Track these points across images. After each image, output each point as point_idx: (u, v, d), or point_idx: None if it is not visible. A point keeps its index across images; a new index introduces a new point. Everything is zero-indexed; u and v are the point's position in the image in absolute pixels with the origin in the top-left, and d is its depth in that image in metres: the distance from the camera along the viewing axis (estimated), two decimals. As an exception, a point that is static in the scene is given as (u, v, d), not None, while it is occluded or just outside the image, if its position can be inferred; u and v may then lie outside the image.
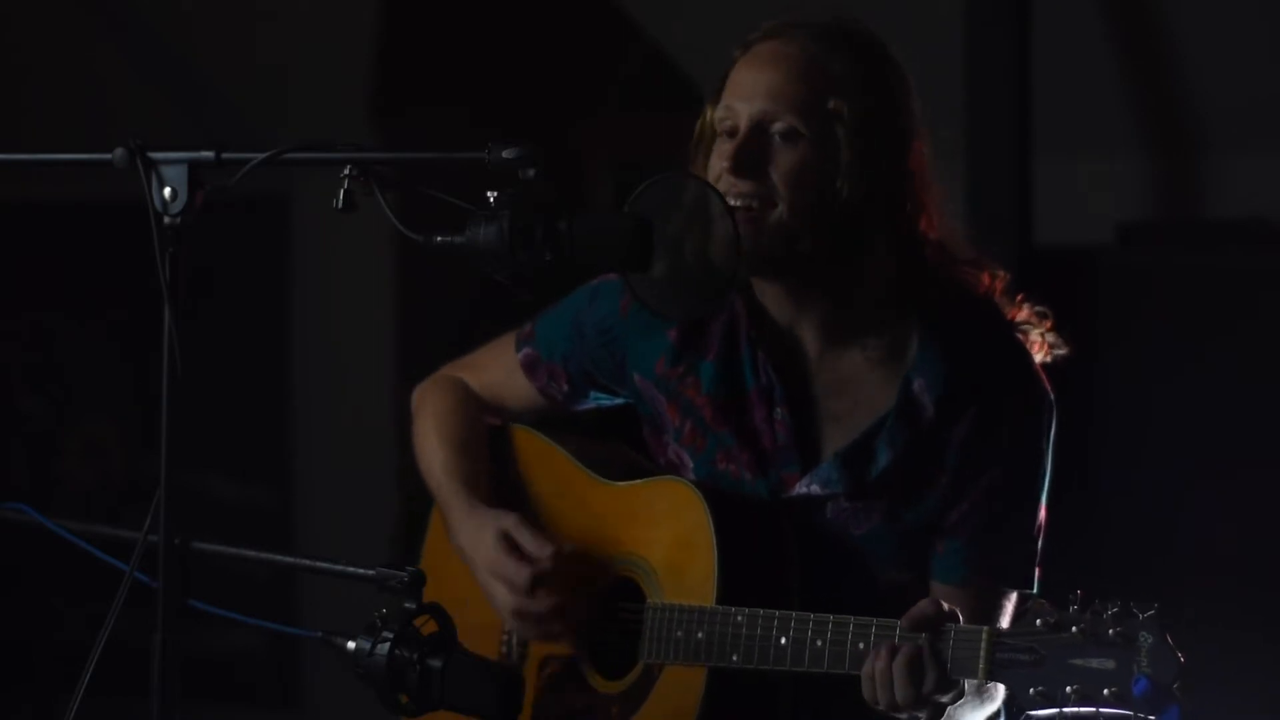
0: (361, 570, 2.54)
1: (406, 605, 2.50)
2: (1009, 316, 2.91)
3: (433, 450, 3.14)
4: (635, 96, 5.91)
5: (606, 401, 3.11)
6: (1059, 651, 2.48)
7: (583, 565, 2.98)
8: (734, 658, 2.78)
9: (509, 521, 2.99)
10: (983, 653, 2.54)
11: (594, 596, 2.98)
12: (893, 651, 2.61)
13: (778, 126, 2.81)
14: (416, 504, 3.19)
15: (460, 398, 3.17)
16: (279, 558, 2.62)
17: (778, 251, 2.80)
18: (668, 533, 2.90)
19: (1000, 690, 2.72)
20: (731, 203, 2.75)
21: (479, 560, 2.99)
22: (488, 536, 2.99)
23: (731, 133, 2.84)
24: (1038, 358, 2.90)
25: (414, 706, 2.50)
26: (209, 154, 2.45)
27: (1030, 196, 4.93)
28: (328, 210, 2.48)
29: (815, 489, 2.86)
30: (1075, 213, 5.11)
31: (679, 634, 2.84)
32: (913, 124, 2.87)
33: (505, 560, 2.96)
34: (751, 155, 2.80)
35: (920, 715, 2.62)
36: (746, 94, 2.83)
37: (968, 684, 2.63)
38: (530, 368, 3.11)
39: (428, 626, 2.50)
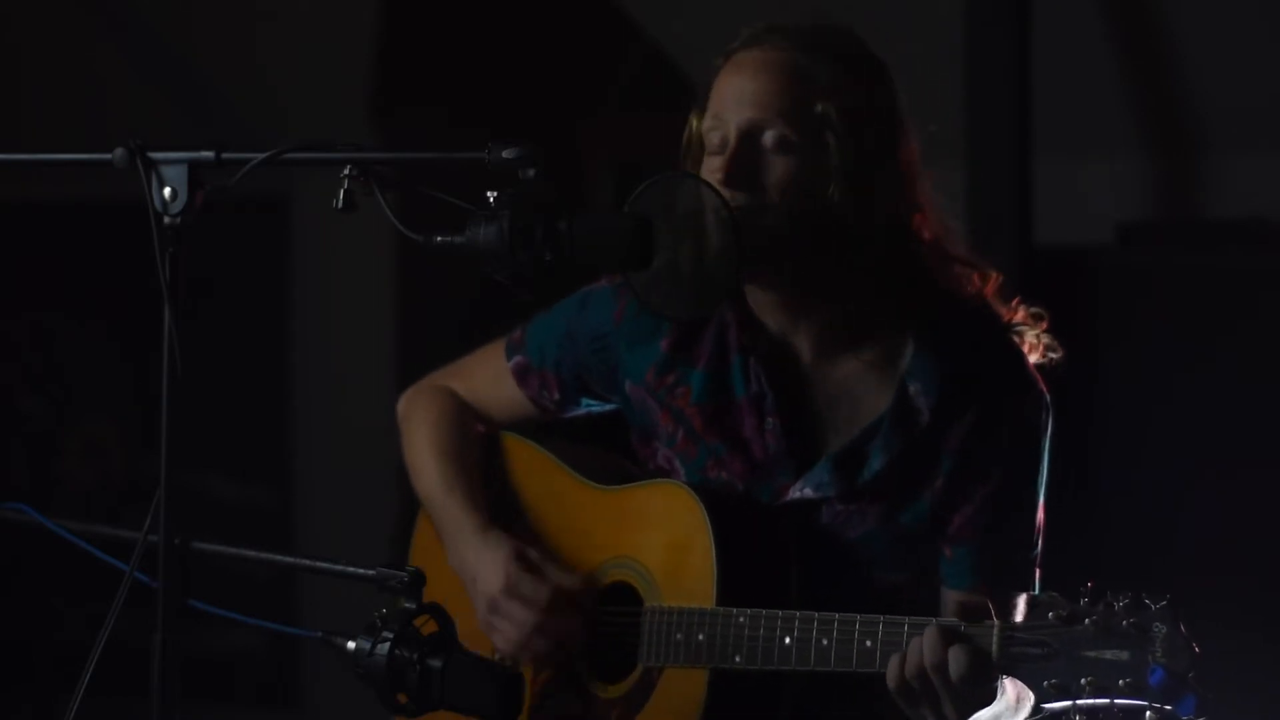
0: (361, 570, 2.53)
1: (406, 605, 2.50)
2: (1004, 318, 2.91)
3: (426, 463, 3.12)
4: (635, 96, 5.91)
5: (597, 408, 3.09)
6: (1072, 644, 2.47)
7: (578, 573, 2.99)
8: (737, 659, 2.77)
9: (532, 551, 2.98)
10: (994, 647, 2.54)
11: (589, 602, 2.98)
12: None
13: (768, 136, 2.79)
14: (416, 504, 3.19)
15: (451, 407, 3.15)
16: (279, 558, 2.62)
17: (772, 259, 2.79)
18: (663, 535, 2.89)
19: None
20: None
21: (492, 579, 2.97)
22: (502, 556, 2.97)
23: (721, 144, 2.81)
24: (1033, 359, 2.89)
25: (414, 706, 2.50)
26: (209, 154, 2.45)
27: (1030, 196, 4.92)
28: (328, 210, 2.48)
29: (808, 492, 2.85)
30: (1075, 213, 5.11)
31: (679, 636, 2.83)
32: (901, 121, 2.86)
33: (524, 577, 2.95)
34: (744, 166, 2.78)
35: (947, 707, 2.60)
36: (733, 104, 2.81)
37: (1001, 695, 2.60)
38: (521, 375, 3.09)
39: (428, 626, 2.50)
